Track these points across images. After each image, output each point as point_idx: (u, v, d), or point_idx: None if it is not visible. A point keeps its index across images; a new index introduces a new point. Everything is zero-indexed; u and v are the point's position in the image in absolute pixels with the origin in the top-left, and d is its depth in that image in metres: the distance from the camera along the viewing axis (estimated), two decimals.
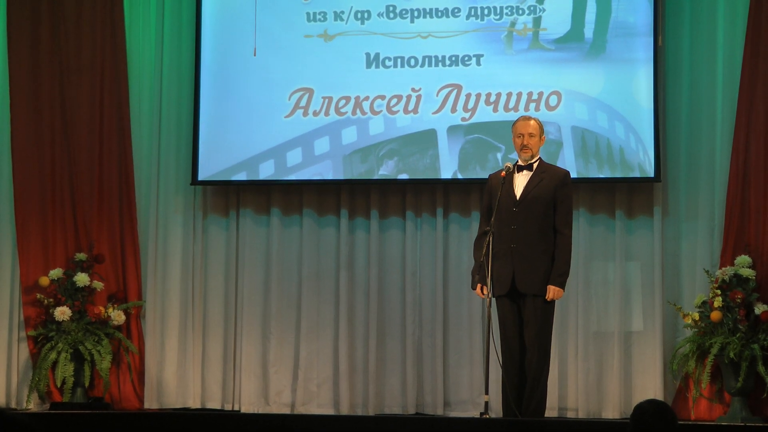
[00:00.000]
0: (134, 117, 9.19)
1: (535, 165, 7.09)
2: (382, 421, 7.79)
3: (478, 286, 7.03)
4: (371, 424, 7.31)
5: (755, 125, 8.40)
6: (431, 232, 8.88)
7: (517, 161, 7.16)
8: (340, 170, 8.86)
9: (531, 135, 7.07)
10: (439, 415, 8.67)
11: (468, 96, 8.76)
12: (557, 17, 8.69)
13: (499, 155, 8.65)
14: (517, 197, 7.02)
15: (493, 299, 7.02)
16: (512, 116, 7.54)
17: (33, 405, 8.80)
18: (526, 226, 6.97)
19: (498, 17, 8.77)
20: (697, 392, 8.24)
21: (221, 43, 9.08)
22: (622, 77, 8.56)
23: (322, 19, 8.98)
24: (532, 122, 7.12)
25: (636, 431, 4.30)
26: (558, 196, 7.01)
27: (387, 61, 8.89)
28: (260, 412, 8.86)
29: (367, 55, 8.92)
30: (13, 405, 8.88)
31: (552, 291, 6.93)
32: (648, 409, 4.30)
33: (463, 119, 8.76)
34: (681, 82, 8.62)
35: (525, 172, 7.07)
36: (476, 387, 8.67)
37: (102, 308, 8.89)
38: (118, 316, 8.92)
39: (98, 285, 8.97)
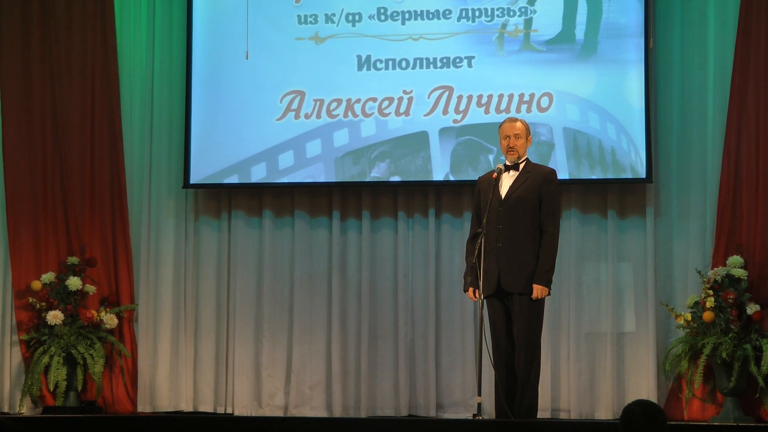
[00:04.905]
0: (125, 121, 9.18)
1: (521, 165, 7.10)
2: (374, 423, 7.80)
3: (470, 289, 7.03)
4: (364, 427, 7.32)
5: (746, 125, 8.41)
6: (423, 233, 8.88)
7: (506, 162, 7.17)
8: (332, 173, 8.86)
9: (517, 137, 7.07)
10: (432, 417, 8.67)
11: (459, 98, 8.77)
12: (548, 19, 8.70)
13: (490, 157, 8.65)
14: (503, 197, 7.02)
15: (485, 300, 7.01)
16: (504, 118, 7.52)
17: (26, 409, 8.79)
18: (511, 226, 6.97)
19: (489, 19, 8.78)
20: (689, 392, 8.25)
21: (212, 47, 9.08)
22: (613, 78, 8.57)
23: (313, 21, 8.98)
24: (518, 124, 7.12)
25: None
26: (543, 194, 7.01)
27: (378, 63, 8.89)
28: (253, 414, 8.85)
29: (359, 57, 8.93)
30: (5, 409, 8.87)
31: (537, 289, 6.91)
32: (637, 411, 4.30)
33: (455, 121, 8.77)
34: (672, 83, 8.64)
35: (512, 172, 7.08)
36: (469, 388, 8.67)
37: (94, 312, 8.89)
38: (110, 320, 8.91)
39: (90, 288, 8.96)
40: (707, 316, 8.17)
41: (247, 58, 9.02)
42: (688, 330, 8.30)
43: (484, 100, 8.74)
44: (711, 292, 8.21)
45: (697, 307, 8.29)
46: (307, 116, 8.94)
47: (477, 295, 6.97)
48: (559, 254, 7.32)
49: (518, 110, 8.60)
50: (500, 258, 6.95)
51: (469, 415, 8.27)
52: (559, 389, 8.62)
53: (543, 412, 8.27)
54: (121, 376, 8.99)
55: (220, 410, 9.01)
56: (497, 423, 6.80)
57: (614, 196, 8.68)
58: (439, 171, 8.75)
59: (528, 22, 8.72)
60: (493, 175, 7.08)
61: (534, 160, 7.41)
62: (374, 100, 8.87)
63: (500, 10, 8.75)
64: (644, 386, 8.48)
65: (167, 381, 9.02)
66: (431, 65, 8.83)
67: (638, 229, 8.64)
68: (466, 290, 7.09)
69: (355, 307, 8.93)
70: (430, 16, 8.85)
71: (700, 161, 8.57)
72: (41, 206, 9.12)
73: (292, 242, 9.05)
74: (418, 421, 8.31)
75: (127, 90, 9.21)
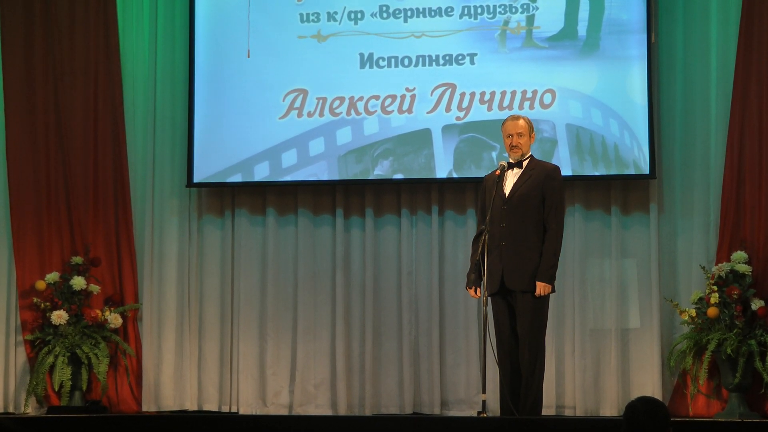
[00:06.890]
0: (128, 120, 9.19)
1: (525, 163, 7.09)
2: (379, 421, 7.79)
3: (472, 287, 7.03)
4: (369, 425, 7.31)
5: (749, 120, 8.40)
6: (426, 230, 8.88)
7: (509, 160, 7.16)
8: (335, 171, 8.86)
9: (520, 134, 7.06)
10: (437, 415, 8.67)
11: (462, 95, 8.76)
12: (550, 15, 8.69)
13: (494, 154, 8.65)
14: (506, 195, 7.02)
15: (489, 297, 7.01)
16: (507, 115, 7.50)
17: (31, 409, 8.80)
18: (515, 224, 6.97)
19: (491, 16, 8.77)
20: (694, 388, 8.24)
21: (215, 46, 9.08)
22: (616, 74, 8.56)
23: (316, 19, 8.98)
24: (520, 122, 7.11)
25: (629, 430, 4.29)
26: (546, 190, 7.00)
27: (381, 61, 8.89)
28: (258, 413, 8.85)
29: (361, 55, 8.92)
30: (11, 409, 8.88)
31: (540, 286, 6.90)
32: (640, 408, 4.29)
33: (458, 118, 8.76)
34: (675, 79, 8.63)
35: (516, 170, 7.08)
36: (473, 386, 8.67)
37: (99, 311, 8.89)
38: (114, 319, 8.92)
39: (95, 288, 8.97)
40: (712, 311, 8.16)
41: (249, 57, 9.02)
42: (692, 326, 8.30)
43: (487, 97, 8.73)
44: (715, 287, 8.21)
45: (702, 302, 8.28)
46: (309, 114, 8.94)
47: (478, 294, 6.97)
48: (563, 251, 7.31)
49: (521, 107, 8.60)
50: (503, 256, 6.94)
51: (473, 413, 8.26)
52: (563, 386, 8.62)
53: (548, 409, 8.27)
54: (126, 375, 9.00)
55: (225, 409, 9.01)
56: (502, 420, 6.80)
57: (617, 193, 8.67)
58: (443, 168, 8.75)
59: (530, 19, 8.71)
60: (497, 173, 7.07)
61: (537, 156, 7.39)
62: (377, 97, 8.86)
63: (502, 6, 8.75)
64: (649, 382, 8.47)
65: (172, 380, 9.02)
66: (434, 62, 8.82)
67: (642, 225, 8.64)
68: (468, 287, 7.10)
69: (359, 305, 8.93)
70: (432, 13, 8.85)
71: (704, 157, 8.56)
72: (45, 206, 9.13)
73: (295, 240, 9.06)
74: (422, 419, 8.31)
75: (129, 89, 9.21)
